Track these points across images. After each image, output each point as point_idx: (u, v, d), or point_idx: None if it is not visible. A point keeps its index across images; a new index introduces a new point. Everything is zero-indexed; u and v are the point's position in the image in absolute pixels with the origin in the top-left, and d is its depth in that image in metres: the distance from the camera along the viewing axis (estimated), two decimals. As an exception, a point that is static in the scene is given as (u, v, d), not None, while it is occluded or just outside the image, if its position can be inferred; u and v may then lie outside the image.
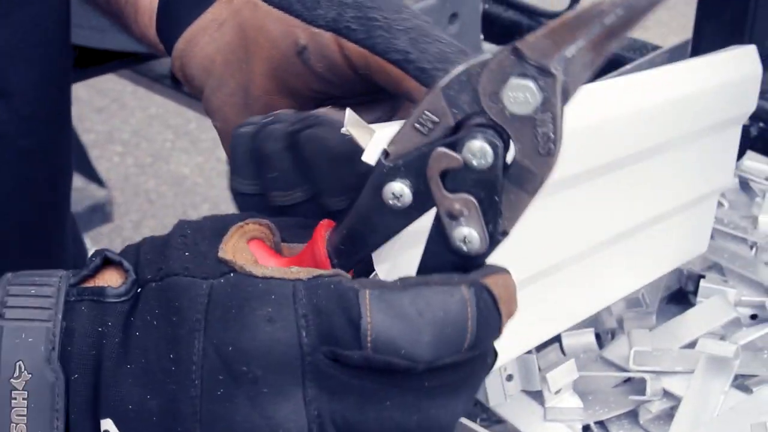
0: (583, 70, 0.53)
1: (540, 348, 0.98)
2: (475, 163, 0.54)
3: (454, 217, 0.55)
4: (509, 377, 0.92)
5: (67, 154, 0.86)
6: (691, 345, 0.95)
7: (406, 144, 0.56)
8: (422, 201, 0.56)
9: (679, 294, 1.07)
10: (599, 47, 0.52)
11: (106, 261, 0.58)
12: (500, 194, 0.55)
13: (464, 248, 0.55)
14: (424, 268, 0.57)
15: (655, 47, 1.36)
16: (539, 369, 0.93)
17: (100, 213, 2.47)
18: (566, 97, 0.54)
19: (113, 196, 3.15)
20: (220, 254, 0.56)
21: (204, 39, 0.73)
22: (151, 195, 3.32)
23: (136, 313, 0.55)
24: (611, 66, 1.27)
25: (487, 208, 0.55)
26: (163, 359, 0.54)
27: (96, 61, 1.27)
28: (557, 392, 0.91)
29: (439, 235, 0.56)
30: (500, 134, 0.54)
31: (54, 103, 0.81)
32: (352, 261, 0.59)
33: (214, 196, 3.30)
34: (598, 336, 0.99)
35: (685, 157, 0.91)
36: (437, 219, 0.56)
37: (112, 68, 1.34)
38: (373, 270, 0.60)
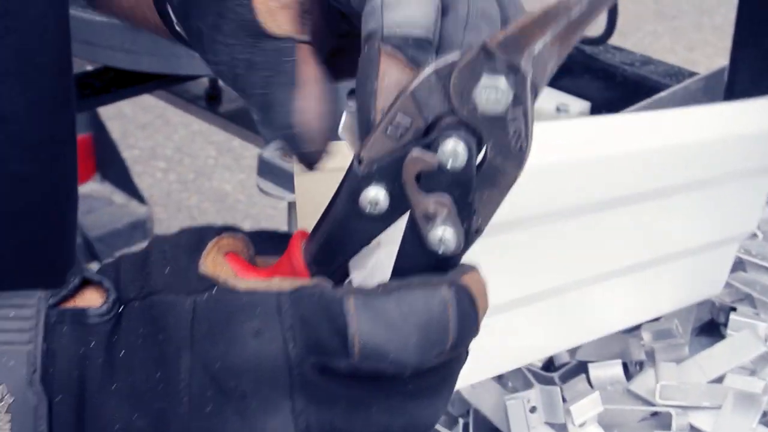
0: (549, 65, 0.53)
1: (565, 378, 0.97)
2: (449, 163, 0.54)
3: (429, 218, 0.55)
4: (533, 409, 0.91)
5: (69, 179, 0.85)
6: (720, 379, 0.93)
7: (379, 149, 0.55)
8: (398, 204, 0.56)
9: (711, 325, 1.06)
10: (564, 41, 0.53)
11: (85, 281, 0.58)
12: (474, 194, 0.55)
13: (440, 249, 0.56)
14: (400, 270, 0.57)
15: (692, 74, 1.35)
16: (564, 400, 0.92)
17: (141, 229, 2.49)
18: (536, 93, 0.54)
19: (155, 212, 3.17)
20: (201, 269, 0.56)
21: None
22: (193, 211, 3.34)
23: (120, 333, 0.55)
24: (647, 92, 1.26)
25: (461, 208, 0.55)
26: (150, 378, 0.54)
27: (131, 82, 1.28)
28: (581, 425, 0.90)
29: (414, 237, 0.56)
30: (473, 133, 0.55)
31: (50, 128, 0.80)
32: (331, 269, 0.58)
33: (256, 213, 3.31)
34: (626, 367, 0.98)
35: (709, 200, 0.91)
36: (412, 221, 0.56)
37: (148, 89, 1.35)
38: (348, 277, 0.60)
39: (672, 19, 4.76)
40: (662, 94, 1.22)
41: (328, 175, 0.75)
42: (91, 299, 0.57)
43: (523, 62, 0.53)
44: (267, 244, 0.61)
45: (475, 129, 0.55)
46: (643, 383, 0.94)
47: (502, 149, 0.55)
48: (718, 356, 0.95)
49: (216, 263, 0.57)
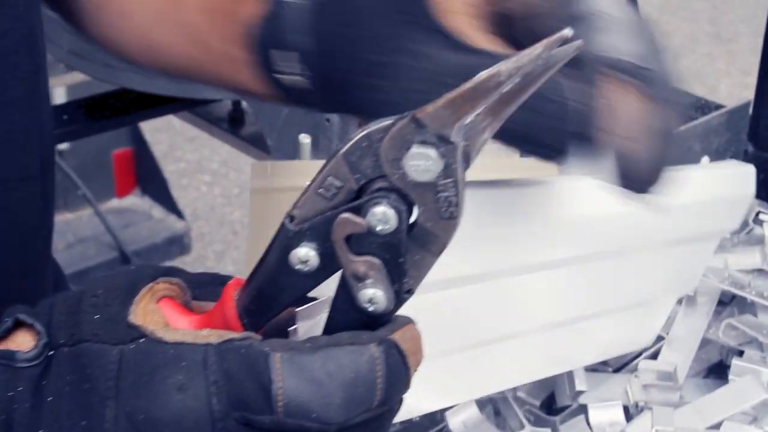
0: (482, 134, 0.54)
1: (565, 419, 0.96)
2: (378, 228, 0.55)
3: (359, 278, 0.56)
4: (525, 450, 0.90)
5: (42, 214, 0.85)
6: (718, 426, 0.91)
7: (310, 208, 0.56)
8: (329, 263, 0.57)
9: (720, 367, 1.04)
10: (498, 112, 0.53)
11: (18, 322, 0.58)
12: (405, 256, 0.56)
13: (370, 308, 0.56)
14: (333, 326, 0.57)
15: (718, 106, 1.33)
16: (560, 442, 0.91)
17: (178, 244, 2.50)
18: (467, 161, 0.55)
19: (198, 226, 3.19)
20: (131, 319, 0.56)
21: None
22: (235, 226, 3.35)
23: (49, 378, 0.56)
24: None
25: (392, 270, 0.56)
26: (76, 426, 0.54)
27: (152, 104, 1.29)
28: (576, 467, 0.89)
29: (345, 295, 0.57)
30: (403, 198, 0.55)
31: (20, 163, 0.80)
32: (262, 320, 0.59)
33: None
34: (627, 409, 0.97)
35: (654, 260, 0.90)
36: (343, 279, 0.57)
37: (168, 111, 1.36)
38: (293, 325, 0.60)
39: (728, 42, 4.70)
40: (689, 125, 1.20)
41: (282, 195, 0.76)
42: (23, 341, 0.58)
43: (454, 134, 0.53)
44: (205, 289, 0.62)
45: (406, 194, 0.55)
46: (638, 427, 0.93)
47: (432, 215, 0.55)
48: (718, 402, 0.93)
49: (147, 311, 0.57)
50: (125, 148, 2.51)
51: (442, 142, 0.53)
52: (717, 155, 1.25)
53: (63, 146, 2.38)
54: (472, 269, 0.76)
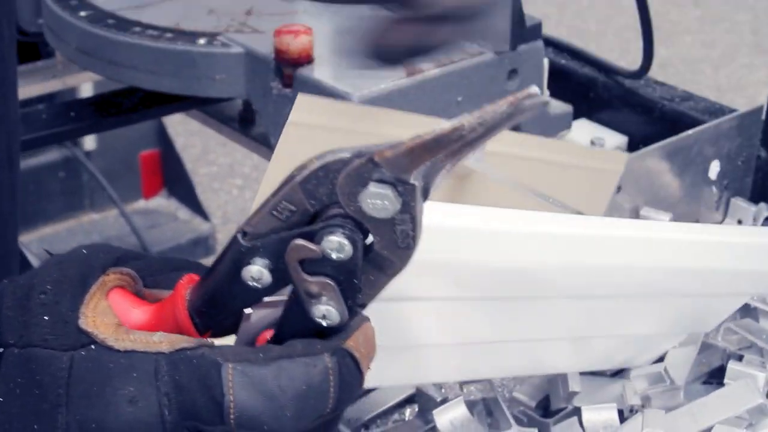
0: (441, 171, 0.54)
1: (558, 420, 0.95)
2: (334, 256, 0.55)
3: (312, 296, 0.56)
4: (514, 451, 0.89)
5: (8, 200, 0.85)
6: (710, 429, 0.90)
7: (264, 226, 0.56)
8: (281, 279, 0.57)
9: (721, 372, 1.02)
10: (458, 154, 0.54)
11: None
12: (359, 278, 0.56)
13: (324, 323, 0.56)
14: (286, 330, 0.57)
15: (731, 110, 1.31)
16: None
17: (203, 246, 2.51)
18: (426, 196, 0.55)
19: (229, 229, 3.19)
20: (81, 324, 0.56)
21: None
22: (265, 229, 3.35)
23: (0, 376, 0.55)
24: (685, 128, 1.23)
25: (346, 289, 0.56)
26: (27, 429, 0.54)
27: (160, 102, 1.29)
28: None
29: (298, 306, 0.57)
30: (359, 227, 0.55)
31: None
32: (213, 322, 0.59)
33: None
34: (621, 412, 0.95)
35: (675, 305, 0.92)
36: (295, 293, 0.57)
37: (176, 109, 1.35)
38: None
39: (769, 52, 4.65)
40: (689, 132, 1.18)
41: (318, 133, 0.76)
42: None
43: (413, 177, 0.54)
44: (157, 276, 0.61)
45: (362, 224, 0.55)
46: (631, 430, 0.91)
47: (388, 245, 0.56)
48: (711, 405, 0.91)
49: (97, 311, 0.56)
50: (152, 150, 2.51)
51: (400, 182, 0.54)
52: (728, 160, 1.24)
53: (90, 147, 2.39)
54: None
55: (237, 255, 0.57)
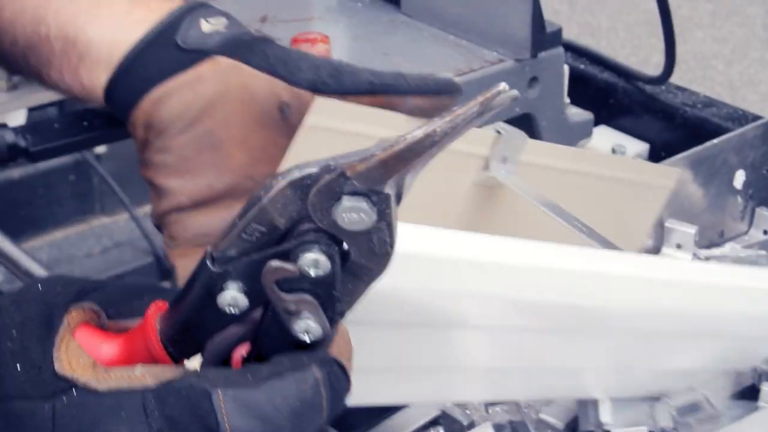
0: (413, 173, 0.54)
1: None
2: (311, 272, 0.54)
3: (292, 313, 0.55)
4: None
5: None
6: (744, 454, 0.88)
7: (235, 250, 0.55)
8: (257, 299, 0.56)
9: (751, 391, 1.00)
10: (429, 158, 0.53)
11: None
12: (338, 289, 0.55)
13: (307, 338, 0.55)
14: (265, 347, 0.57)
15: (756, 117, 1.29)
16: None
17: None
18: (399, 200, 0.54)
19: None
20: (57, 369, 0.54)
21: (183, 92, 0.75)
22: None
23: None
24: (707, 135, 1.21)
25: (325, 302, 0.55)
26: None
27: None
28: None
29: (276, 322, 0.56)
30: (334, 240, 0.54)
31: None
32: (188, 349, 0.58)
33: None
34: (651, 434, 0.93)
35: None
36: (272, 310, 0.56)
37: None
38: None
39: (782, 47, 4.62)
40: (714, 141, 1.16)
41: (334, 136, 0.76)
42: None
43: (387, 187, 0.53)
44: (119, 307, 0.59)
45: (336, 237, 0.54)
46: (662, 454, 0.89)
47: (365, 253, 0.55)
48: (746, 429, 0.89)
49: (70, 353, 0.55)
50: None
51: (374, 193, 0.53)
52: (753, 169, 1.21)
53: (100, 150, 2.37)
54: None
55: (208, 281, 0.56)
